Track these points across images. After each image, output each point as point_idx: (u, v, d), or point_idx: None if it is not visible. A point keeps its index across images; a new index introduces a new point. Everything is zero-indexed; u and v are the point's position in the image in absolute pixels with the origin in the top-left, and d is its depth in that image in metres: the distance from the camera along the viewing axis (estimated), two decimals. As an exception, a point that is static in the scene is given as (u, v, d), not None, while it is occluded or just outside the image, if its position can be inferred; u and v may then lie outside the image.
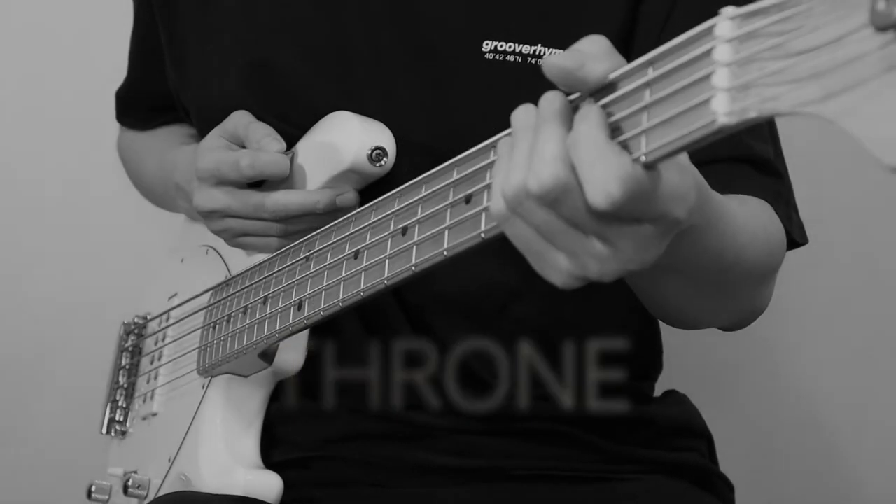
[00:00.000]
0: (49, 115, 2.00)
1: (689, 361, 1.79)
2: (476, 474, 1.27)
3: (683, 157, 0.79)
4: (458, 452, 1.27)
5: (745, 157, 1.14)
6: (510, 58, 1.17)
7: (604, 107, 0.78)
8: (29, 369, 2.01)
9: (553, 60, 0.78)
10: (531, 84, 1.16)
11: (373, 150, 1.20)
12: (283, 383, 1.32)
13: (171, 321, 1.47)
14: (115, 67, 1.61)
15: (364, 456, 1.29)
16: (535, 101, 1.15)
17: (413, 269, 0.97)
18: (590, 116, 0.77)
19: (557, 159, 0.77)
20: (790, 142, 1.22)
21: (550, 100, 0.80)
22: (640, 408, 1.30)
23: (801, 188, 1.22)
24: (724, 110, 0.68)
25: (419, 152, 1.20)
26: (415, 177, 1.15)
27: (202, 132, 1.32)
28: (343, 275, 1.09)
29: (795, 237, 1.19)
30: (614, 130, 0.76)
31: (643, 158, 0.75)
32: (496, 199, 0.83)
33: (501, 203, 0.82)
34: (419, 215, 0.98)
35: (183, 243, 1.56)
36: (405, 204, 1.01)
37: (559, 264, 0.82)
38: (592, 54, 0.79)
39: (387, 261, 1.02)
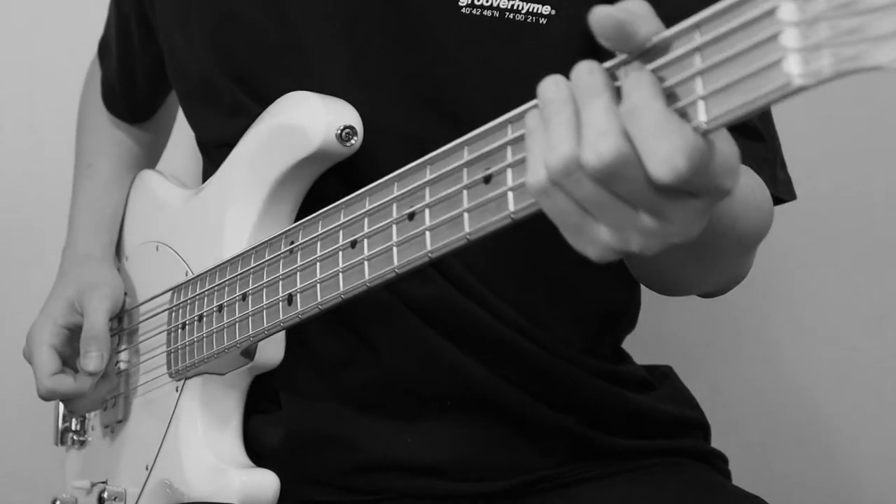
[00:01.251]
0: (49, 115, 1.93)
1: (688, 357, 1.79)
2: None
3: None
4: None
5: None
6: (487, 12, 1.14)
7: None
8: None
9: (605, 10, 0.74)
10: (508, 40, 1.14)
11: (342, 130, 1.16)
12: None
13: (125, 325, 1.42)
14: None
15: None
16: (514, 57, 1.15)
17: (430, 255, 0.94)
18: (644, 84, 0.74)
19: (615, 131, 0.74)
20: (788, 141, 1.22)
21: (590, 69, 0.77)
22: (637, 397, 1.28)
23: (802, 187, 1.21)
24: (798, 71, 0.67)
25: (393, 117, 1.17)
26: (391, 143, 1.13)
27: (173, 83, 1.38)
28: (341, 266, 1.05)
29: (782, 195, 1.18)
30: (668, 97, 0.74)
31: (703, 127, 0.72)
32: (536, 172, 0.79)
33: (542, 175, 0.79)
34: (427, 199, 0.95)
35: (125, 240, 1.50)
36: (408, 189, 0.97)
37: (599, 237, 0.80)
38: (639, 13, 0.76)
39: (395, 248, 0.98)
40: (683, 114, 0.73)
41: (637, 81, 0.74)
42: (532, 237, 1.20)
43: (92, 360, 1.32)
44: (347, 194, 1.06)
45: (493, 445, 1.24)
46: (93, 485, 1.45)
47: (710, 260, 1.08)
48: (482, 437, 1.24)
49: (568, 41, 1.14)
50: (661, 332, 1.36)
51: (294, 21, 1.22)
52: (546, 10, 1.14)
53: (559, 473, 1.26)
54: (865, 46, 0.63)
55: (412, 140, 1.15)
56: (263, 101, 1.23)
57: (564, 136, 0.77)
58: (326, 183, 1.20)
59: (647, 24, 0.75)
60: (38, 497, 1.55)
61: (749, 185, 1.09)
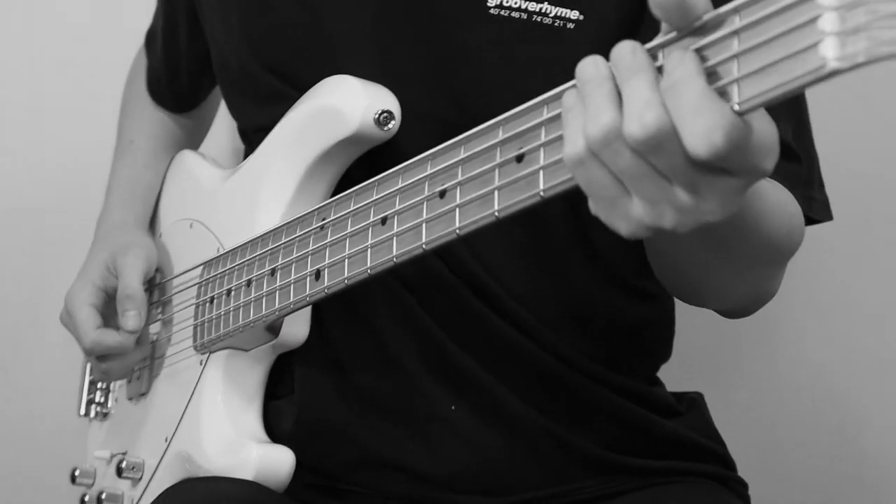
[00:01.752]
0: (49, 116, 1.97)
1: (693, 356, 1.79)
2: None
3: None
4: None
5: None
6: (515, 14, 1.15)
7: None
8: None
9: None
10: (535, 43, 1.15)
11: (380, 114, 1.17)
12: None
13: (157, 298, 1.43)
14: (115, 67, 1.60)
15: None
16: (539, 60, 1.15)
17: (458, 231, 0.95)
18: (686, 62, 0.74)
19: (659, 103, 0.74)
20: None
21: (633, 48, 0.78)
22: (660, 421, 1.27)
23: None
24: (834, 55, 0.67)
25: (420, 111, 1.18)
26: (416, 138, 1.13)
27: (217, 75, 1.40)
28: (370, 241, 1.06)
29: (817, 216, 1.18)
30: (709, 76, 0.74)
31: (736, 107, 0.73)
32: (574, 142, 0.80)
33: (581, 145, 0.79)
34: (460, 177, 0.96)
35: (160, 218, 1.51)
36: (441, 167, 0.98)
37: (633, 212, 0.80)
38: None
39: (424, 225, 0.99)
40: (722, 93, 0.74)
41: (680, 59, 0.75)
42: (547, 241, 1.20)
43: (130, 318, 1.33)
44: (375, 167, 1.07)
45: (499, 459, 1.23)
46: (113, 455, 1.47)
47: (736, 260, 1.08)
48: (488, 450, 1.23)
49: (594, 46, 1.13)
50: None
51: (324, 15, 1.23)
52: (574, 14, 1.14)
53: (567, 491, 1.25)
54: (903, 31, 0.64)
55: (438, 137, 1.16)
56: (297, 86, 1.25)
57: (606, 107, 0.78)
58: (356, 173, 1.21)
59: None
60: (61, 465, 1.56)
61: (778, 194, 1.09)
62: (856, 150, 1.79)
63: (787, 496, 1.87)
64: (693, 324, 1.49)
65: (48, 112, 1.95)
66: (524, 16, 1.15)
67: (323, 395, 1.26)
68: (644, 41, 1.14)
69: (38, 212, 1.95)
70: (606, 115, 0.77)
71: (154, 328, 1.42)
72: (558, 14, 1.14)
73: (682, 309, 1.31)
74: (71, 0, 1.96)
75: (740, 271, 1.12)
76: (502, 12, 1.15)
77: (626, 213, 0.80)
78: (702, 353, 1.87)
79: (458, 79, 1.18)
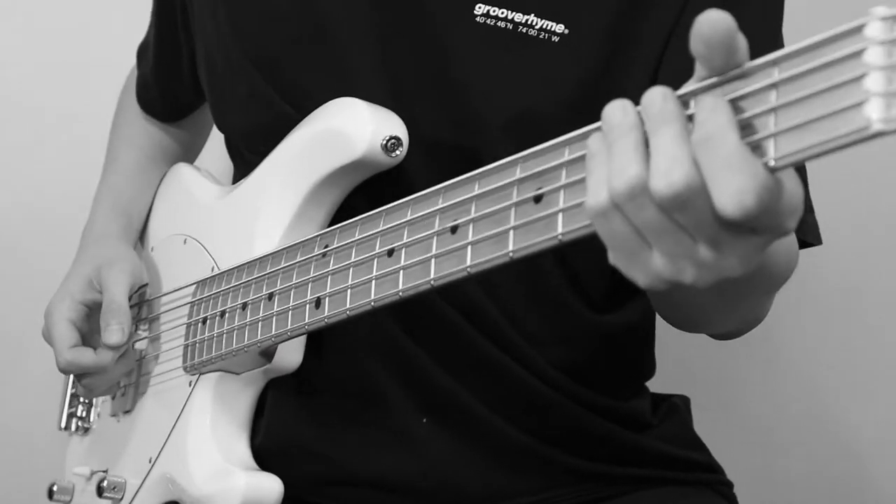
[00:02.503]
0: (48, 116, 1.94)
1: (688, 359, 1.77)
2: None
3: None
4: None
5: None
6: (501, 24, 1.15)
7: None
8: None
9: (720, 14, 0.72)
10: (518, 53, 1.14)
11: (388, 140, 1.14)
12: None
13: (145, 315, 1.40)
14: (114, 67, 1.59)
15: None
16: (522, 71, 1.14)
17: (468, 270, 0.92)
18: (719, 113, 0.72)
19: (688, 159, 0.72)
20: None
21: (664, 95, 0.75)
22: (632, 436, 1.26)
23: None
24: (879, 116, 0.65)
25: (412, 115, 1.16)
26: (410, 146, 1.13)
27: (202, 77, 1.38)
28: (374, 273, 1.03)
29: (808, 238, 1.18)
30: (743, 129, 0.72)
31: (772, 163, 0.71)
32: (597, 193, 0.78)
33: (605, 197, 0.77)
34: (473, 214, 0.93)
35: (152, 231, 1.49)
36: (454, 202, 0.96)
37: (652, 265, 0.78)
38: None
39: (433, 260, 0.97)
40: (756, 148, 0.72)
41: (713, 110, 0.73)
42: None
43: (113, 332, 1.30)
44: (370, 193, 1.05)
45: (470, 469, 1.21)
46: (93, 473, 1.43)
47: (734, 298, 1.07)
48: (461, 462, 1.21)
49: (577, 61, 1.15)
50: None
51: (318, 10, 1.22)
52: (560, 28, 1.14)
53: (544, 500, 1.23)
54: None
55: (427, 141, 1.16)
56: (281, 88, 1.23)
57: (633, 159, 0.75)
58: (354, 198, 1.20)
59: (745, 42, 0.74)
60: (37, 481, 1.52)
61: None
62: (856, 150, 1.78)
63: (787, 497, 1.87)
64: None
65: (48, 112, 1.93)
66: (510, 26, 1.15)
67: (291, 410, 1.25)
68: (629, 58, 1.14)
69: (38, 211, 1.92)
70: (633, 168, 0.75)
71: (141, 345, 1.39)
72: (543, 27, 1.14)
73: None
74: (71, 0, 1.94)
75: (737, 306, 1.12)
76: (488, 21, 1.15)
77: (646, 266, 0.79)
78: (700, 355, 1.86)
79: (448, 82, 1.17)
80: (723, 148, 0.71)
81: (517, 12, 1.14)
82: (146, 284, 1.42)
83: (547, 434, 1.22)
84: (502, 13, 1.15)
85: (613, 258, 0.80)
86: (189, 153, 1.62)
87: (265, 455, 1.25)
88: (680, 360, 1.44)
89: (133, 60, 1.62)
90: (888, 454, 1.90)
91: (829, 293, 1.90)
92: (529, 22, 1.14)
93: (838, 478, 1.90)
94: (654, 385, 1.35)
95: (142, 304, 1.41)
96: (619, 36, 1.16)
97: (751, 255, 0.77)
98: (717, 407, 1.37)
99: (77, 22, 1.94)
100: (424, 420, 1.21)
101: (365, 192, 1.18)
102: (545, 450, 1.22)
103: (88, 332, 1.36)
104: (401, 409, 1.21)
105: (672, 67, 1.15)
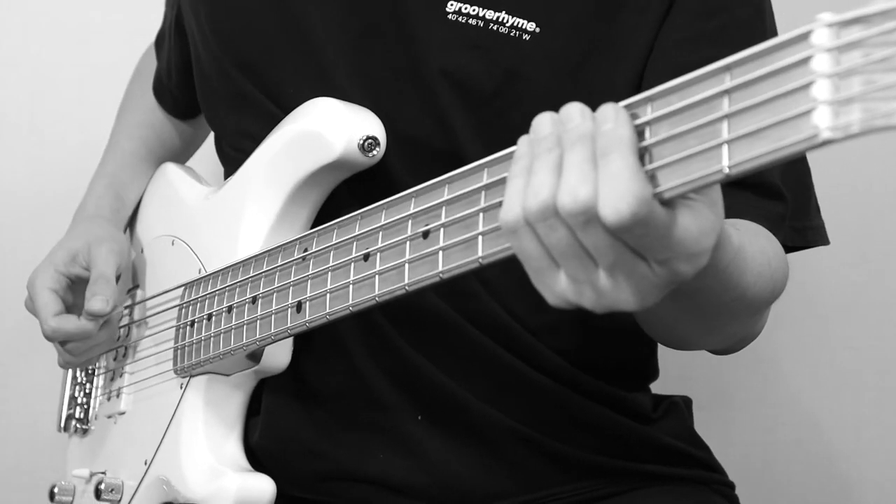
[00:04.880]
0: (49, 116, 1.95)
1: (689, 359, 1.77)
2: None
3: (716, 215, 0.79)
4: None
5: (750, 184, 1.11)
6: (472, 21, 1.15)
7: (673, 114, 0.74)
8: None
9: None
10: (488, 50, 1.14)
11: (364, 140, 1.15)
12: None
13: (136, 316, 1.41)
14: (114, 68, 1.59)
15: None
16: (492, 68, 1.14)
17: (441, 276, 0.93)
18: (620, 124, 0.76)
19: (590, 178, 0.76)
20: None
21: (580, 111, 0.79)
22: (634, 425, 1.26)
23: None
24: (827, 124, 0.65)
25: (388, 112, 1.17)
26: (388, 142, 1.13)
27: (196, 82, 1.38)
28: (351, 278, 1.04)
29: (812, 243, 1.20)
30: (692, 137, 0.73)
31: (726, 171, 0.71)
32: (512, 208, 0.81)
33: (518, 213, 0.80)
34: (443, 219, 0.93)
35: (141, 231, 1.49)
36: (425, 206, 0.96)
37: (557, 285, 0.81)
38: None
39: (407, 265, 0.97)
40: (708, 156, 0.72)
41: (612, 118, 0.76)
42: None
43: (97, 301, 1.31)
44: (355, 189, 1.05)
45: (467, 466, 1.21)
46: (92, 474, 1.44)
47: (712, 319, 1.07)
48: (457, 459, 1.21)
49: (547, 60, 1.14)
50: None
51: (293, 11, 1.22)
52: (531, 26, 1.14)
53: (543, 497, 1.23)
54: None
55: (406, 138, 1.17)
56: (267, 90, 1.24)
57: (547, 181, 0.78)
58: (340, 194, 1.20)
59: None
60: (37, 481, 1.53)
61: (765, 255, 1.07)
62: (856, 150, 1.78)
63: (787, 497, 1.87)
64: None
65: (48, 112, 1.93)
66: (481, 23, 1.15)
67: (288, 409, 1.25)
68: (602, 59, 1.13)
69: (38, 212, 1.92)
70: (546, 191, 0.78)
71: (131, 346, 1.40)
72: (515, 24, 1.14)
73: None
74: (71, 0, 1.94)
75: (720, 327, 1.12)
76: (460, 18, 1.15)
77: (552, 284, 0.81)
78: (700, 355, 1.85)
79: (421, 79, 1.17)
80: (613, 163, 0.74)
81: (488, 9, 1.14)
82: (137, 286, 1.43)
83: (544, 425, 1.22)
84: (473, 10, 1.14)
85: (526, 270, 0.83)
86: (189, 149, 1.64)
87: (261, 453, 1.26)
88: (680, 361, 1.43)
89: (133, 61, 1.63)
90: (888, 454, 1.89)
91: (829, 293, 1.89)
92: (500, 19, 1.14)
93: (838, 478, 1.89)
94: (655, 386, 1.35)
95: (133, 305, 1.42)
96: (592, 36, 1.15)
97: (646, 289, 0.79)
98: (717, 407, 1.36)
99: (77, 22, 1.94)
100: (419, 417, 1.21)
101: (350, 188, 1.19)
102: (542, 441, 1.22)
103: (72, 304, 1.38)
104: (396, 407, 1.21)
105: (656, 74, 1.14)
